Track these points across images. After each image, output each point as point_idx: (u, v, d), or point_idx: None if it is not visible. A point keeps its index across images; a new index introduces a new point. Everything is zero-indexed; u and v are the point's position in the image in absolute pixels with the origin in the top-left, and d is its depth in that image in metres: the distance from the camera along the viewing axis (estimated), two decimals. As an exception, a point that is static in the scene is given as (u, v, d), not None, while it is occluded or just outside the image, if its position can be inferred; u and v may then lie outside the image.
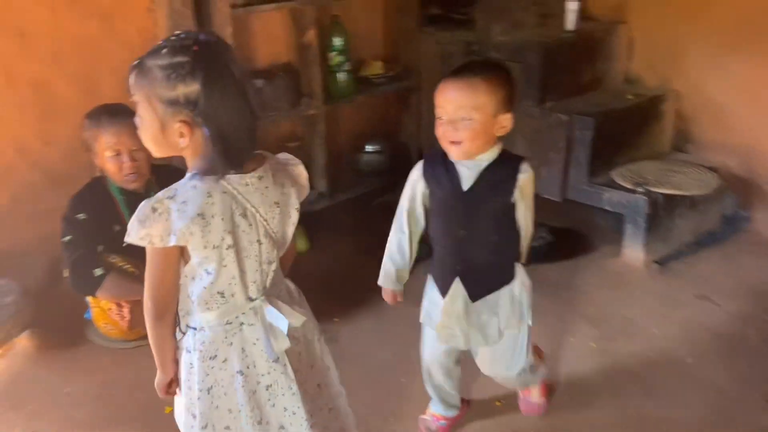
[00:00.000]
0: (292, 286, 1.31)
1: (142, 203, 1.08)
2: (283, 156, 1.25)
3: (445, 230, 1.62)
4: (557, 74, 2.90)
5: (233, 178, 1.11)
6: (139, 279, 2.06)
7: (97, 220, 2.03)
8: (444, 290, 1.64)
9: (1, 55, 2.38)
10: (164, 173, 2.26)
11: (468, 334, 1.65)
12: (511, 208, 1.58)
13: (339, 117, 3.36)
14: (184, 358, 1.21)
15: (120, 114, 2.00)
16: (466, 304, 1.63)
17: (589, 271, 2.68)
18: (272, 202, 1.16)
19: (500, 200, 1.56)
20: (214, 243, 1.10)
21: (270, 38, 3.05)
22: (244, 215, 1.12)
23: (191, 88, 1.05)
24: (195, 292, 1.16)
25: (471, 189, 1.56)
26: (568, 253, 2.78)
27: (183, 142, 1.10)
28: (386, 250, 1.68)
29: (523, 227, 1.62)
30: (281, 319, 1.18)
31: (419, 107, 3.41)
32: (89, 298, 2.11)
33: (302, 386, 1.24)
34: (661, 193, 2.63)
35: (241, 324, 1.19)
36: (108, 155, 2.03)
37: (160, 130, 1.11)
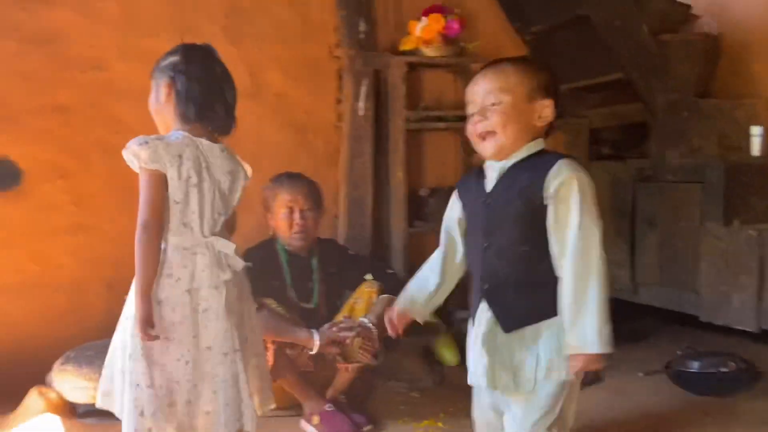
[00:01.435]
0: None
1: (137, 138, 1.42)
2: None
3: (472, 243, 1.43)
4: (744, 196, 2.68)
5: (204, 141, 1.47)
6: (290, 320, 2.11)
7: (260, 270, 2.15)
8: (473, 316, 1.41)
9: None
10: (327, 246, 2.39)
11: (494, 373, 1.35)
12: (540, 213, 1.30)
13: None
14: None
15: (298, 178, 2.24)
16: (494, 334, 1.35)
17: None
18: (227, 170, 1.51)
19: (524, 202, 1.31)
20: (184, 177, 1.42)
21: (440, 159, 3.25)
22: (207, 169, 1.46)
23: (174, 58, 1.50)
24: (168, 221, 1.44)
25: (493, 189, 1.38)
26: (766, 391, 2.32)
27: (164, 98, 1.48)
28: None
29: (559, 242, 1.29)
30: (229, 245, 1.48)
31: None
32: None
33: (231, 317, 1.46)
34: None
35: (195, 253, 1.44)
36: (282, 212, 2.21)
37: (156, 98, 1.51)
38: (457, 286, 1.54)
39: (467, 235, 1.46)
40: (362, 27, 2.92)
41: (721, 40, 3.19)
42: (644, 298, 2.99)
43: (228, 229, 1.55)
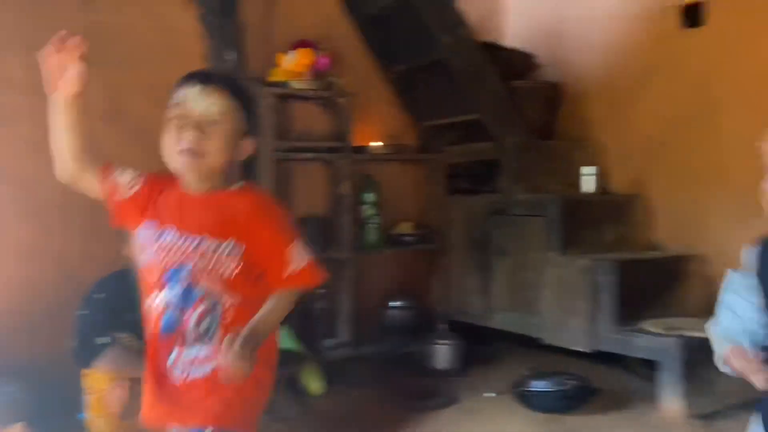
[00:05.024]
0: None
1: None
2: None
3: None
4: (579, 229, 2.99)
5: None
6: (142, 355, 2.04)
7: (114, 302, 2.07)
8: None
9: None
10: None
11: None
12: None
13: (367, 268, 3.44)
14: None
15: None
16: None
17: (625, 425, 2.45)
18: None
19: None
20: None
21: (309, 191, 3.31)
22: None
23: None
24: None
25: None
26: (601, 407, 2.57)
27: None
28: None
29: None
30: None
31: (447, 270, 3.49)
32: (87, 383, 2.05)
33: None
34: (697, 337, 2.49)
35: None
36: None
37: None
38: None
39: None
40: (229, 56, 2.93)
41: (563, 87, 3.56)
42: (497, 323, 3.22)
43: None
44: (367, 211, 3.25)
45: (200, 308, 1.30)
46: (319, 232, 3.15)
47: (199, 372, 1.30)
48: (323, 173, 3.32)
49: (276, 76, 3.07)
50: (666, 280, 2.94)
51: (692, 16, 3.00)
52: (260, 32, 3.16)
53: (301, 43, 3.08)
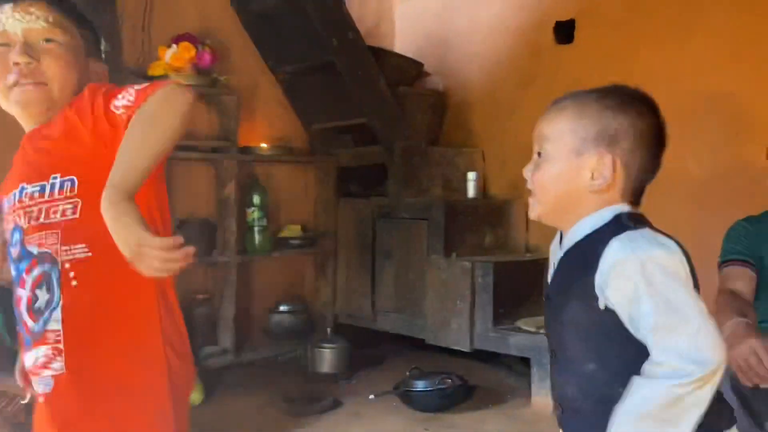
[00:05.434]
0: None
1: None
2: None
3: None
4: (461, 232, 3.09)
5: None
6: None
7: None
8: None
9: None
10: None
11: None
12: (608, 319, 0.93)
13: (252, 272, 3.36)
14: None
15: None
16: None
17: (498, 420, 2.56)
18: None
19: (577, 305, 0.96)
20: None
21: (191, 192, 3.18)
22: None
23: None
24: None
25: (551, 282, 1.07)
26: (478, 404, 2.67)
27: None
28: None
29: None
30: None
31: (335, 273, 3.49)
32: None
33: None
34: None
35: None
36: None
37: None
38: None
39: None
40: (104, 46, 2.76)
41: (447, 96, 3.67)
42: (382, 325, 3.25)
43: None
44: (254, 213, 3.18)
45: (33, 275, 0.97)
46: (202, 235, 3.04)
47: (42, 385, 0.97)
48: (207, 174, 3.22)
49: (156, 71, 2.93)
50: (540, 281, 3.11)
51: (564, 33, 3.20)
52: (139, 24, 3.01)
53: (182, 37, 2.96)
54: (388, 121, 3.27)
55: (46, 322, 0.97)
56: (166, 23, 3.02)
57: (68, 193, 0.98)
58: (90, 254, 0.97)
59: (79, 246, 0.97)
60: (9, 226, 1.04)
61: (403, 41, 3.94)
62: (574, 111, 1.02)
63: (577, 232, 1.00)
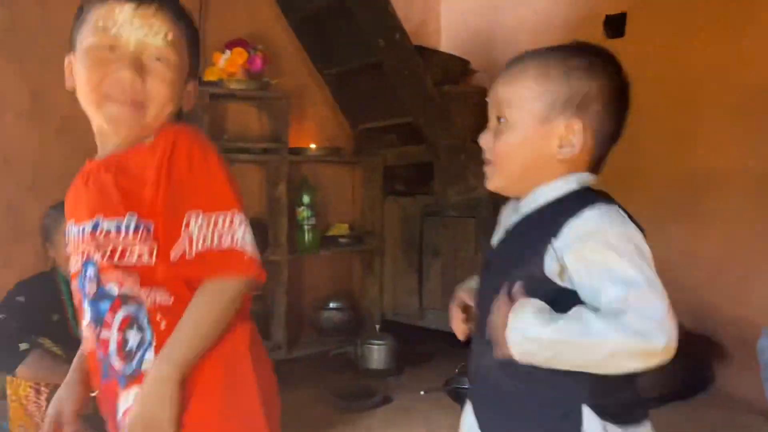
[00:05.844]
0: None
1: None
2: None
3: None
4: (509, 230, 3.09)
5: None
6: (66, 362, 1.98)
7: (36, 305, 1.99)
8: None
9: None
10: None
11: None
12: (554, 291, 0.89)
13: (302, 270, 3.44)
14: None
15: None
16: None
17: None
18: None
19: (525, 272, 0.92)
20: None
21: (243, 191, 3.26)
22: None
23: None
24: None
25: (498, 247, 1.03)
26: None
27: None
28: None
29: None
30: None
31: (382, 271, 3.53)
32: (9, 389, 1.96)
33: None
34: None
35: None
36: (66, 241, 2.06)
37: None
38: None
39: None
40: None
41: (494, 93, 3.66)
42: (429, 322, 3.28)
43: None
44: (304, 212, 3.25)
45: (119, 316, 0.94)
46: (254, 235, 3.12)
47: None
48: (258, 175, 3.30)
49: (210, 76, 3.03)
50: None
51: (614, 27, 3.16)
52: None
53: (235, 42, 3.05)
54: (434, 119, 3.29)
55: (141, 362, 0.94)
56: (220, 29, 3.11)
57: (144, 237, 0.93)
58: (171, 299, 0.94)
59: (160, 290, 0.94)
60: (78, 256, 1.00)
61: (449, 39, 3.95)
62: (538, 73, 0.95)
63: (539, 199, 0.96)
